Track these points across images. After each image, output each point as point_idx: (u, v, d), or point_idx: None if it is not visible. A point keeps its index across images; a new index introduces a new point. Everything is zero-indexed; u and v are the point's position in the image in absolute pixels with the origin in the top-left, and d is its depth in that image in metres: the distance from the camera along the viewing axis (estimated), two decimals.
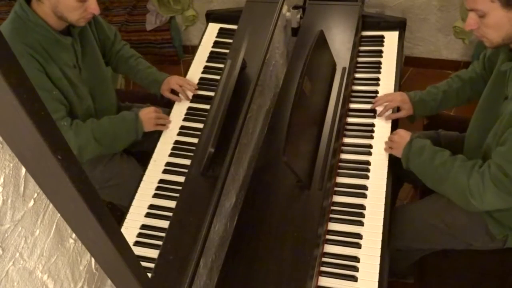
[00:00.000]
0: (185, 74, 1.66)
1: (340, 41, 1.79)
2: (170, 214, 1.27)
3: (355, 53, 1.80)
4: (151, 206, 1.31)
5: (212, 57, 1.71)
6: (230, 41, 1.70)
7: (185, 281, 1.09)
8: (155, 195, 1.34)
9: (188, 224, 1.23)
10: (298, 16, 2.16)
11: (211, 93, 1.56)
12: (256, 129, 1.99)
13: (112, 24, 1.58)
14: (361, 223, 1.35)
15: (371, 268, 1.25)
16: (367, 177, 1.45)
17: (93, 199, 0.59)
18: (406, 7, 2.55)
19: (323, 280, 1.25)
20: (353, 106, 1.67)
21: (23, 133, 0.50)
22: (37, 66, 1.22)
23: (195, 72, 1.67)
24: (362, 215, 1.36)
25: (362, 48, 1.86)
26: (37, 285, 0.68)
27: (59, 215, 0.68)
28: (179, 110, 1.55)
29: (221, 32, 1.79)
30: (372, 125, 1.59)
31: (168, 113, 1.54)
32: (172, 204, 1.29)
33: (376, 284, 1.22)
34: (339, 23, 1.87)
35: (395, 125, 1.61)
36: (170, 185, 1.35)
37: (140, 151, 1.53)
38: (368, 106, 1.64)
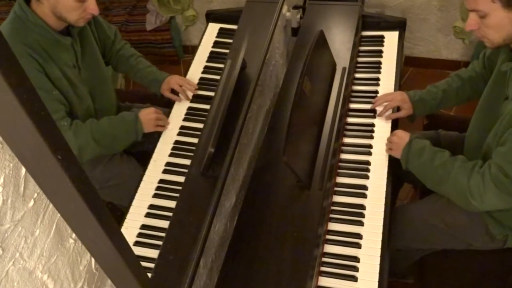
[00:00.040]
0: (185, 74, 1.66)
1: (340, 41, 1.79)
2: (170, 214, 1.27)
3: (355, 53, 1.80)
4: (151, 206, 1.32)
5: (212, 57, 1.72)
6: (230, 41, 1.70)
7: (185, 281, 1.09)
8: (155, 195, 1.34)
9: (188, 224, 1.23)
10: (298, 16, 2.16)
11: (211, 93, 1.56)
12: (256, 129, 1.99)
13: (112, 24, 1.58)
14: (361, 223, 1.35)
15: (371, 268, 1.25)
16: (367, 177, 1.45)
17: (93, 199, 0.59)
18: (406, 7, 2.55)
19: (323, 280, 1.25)
20: (353, 106, 1.67)
21: (23, 133, 0.50)
22: (36, 66, 1.22)
23: (195, 72, 1.67)
24: (362, 215, 1.36)
25: (362, 48, 1.86)
26: (37, 285, 0.68)
27: (59, 215, 0.68)
28: (179, 110, 1.55)
29: (221, 32, 1.79)
30: (372, 125, 1.59)
31: (168, 113, 1.54)
32: (172, 204, 1.29)
33: (376, 284, 1.22)
34: (339, 23, 1.87)
35: (395, 125, 1.61)
36: (170, 185, 1.35)
37: (140, 151, 1.53)
38: (368, 106, 1.64)
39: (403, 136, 1.44)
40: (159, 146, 1.46)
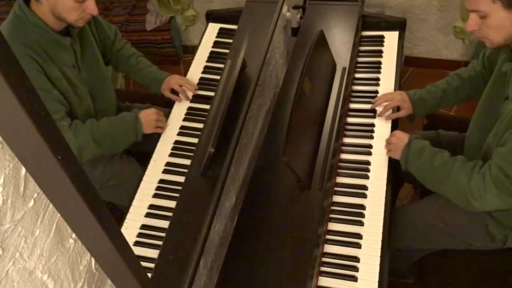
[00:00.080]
0: (185, 74, 1.66)
1: (340, 41, 1.79)
2: (170, 214, 1.27)
3: (355, 53, 1.80)
4: (151, 206, 1.31)
5: (212, 57, 1.71)
6: (230, 41, 1.70)
7: (185, 281, 1.09)
8: (155, 195, 1.34)
9: (188, 224, 1.23)
10: (298, 16, 2.16)
11: (211, 93, 1.56)
12: (256, 129, 1.99)
13: (112, 24, 1.58)
14: (361, 223, 1.35)
15: (371, 268, 1.25)
16: (367, 177, 1.45)
17: (93, 199, 0.59)
18: (406, 7, 2.55)
19: (323, 280, 1.25)
20: (353, 106, 1.67)
21: (23, 133, 0.50)
22: (36, 66, 1.22)
23: (195, 72, 1.67)
24: (362, 215, 1.36)
25: (362, 48, 1.86)
26: (37, 285, 0.68)
27: (59, 215, 0.68)
28: (179, 110, 1.55)
29: (221, 32, 1.79)
30: (372, 125, 1.59)
31: (168, 113, 1.54)
32: (172, 204, 1.29)
33: (376, 284, 1.22)
34: (339, 23, 1.87)
35: (395, 124, 1.61)
36: (170, 185, 1.35)
37: (140, 151, 1.53)
38: (368, 106, 1.64)
39: (402, 137, 1.43)
40: (159, 146, 1.46)
